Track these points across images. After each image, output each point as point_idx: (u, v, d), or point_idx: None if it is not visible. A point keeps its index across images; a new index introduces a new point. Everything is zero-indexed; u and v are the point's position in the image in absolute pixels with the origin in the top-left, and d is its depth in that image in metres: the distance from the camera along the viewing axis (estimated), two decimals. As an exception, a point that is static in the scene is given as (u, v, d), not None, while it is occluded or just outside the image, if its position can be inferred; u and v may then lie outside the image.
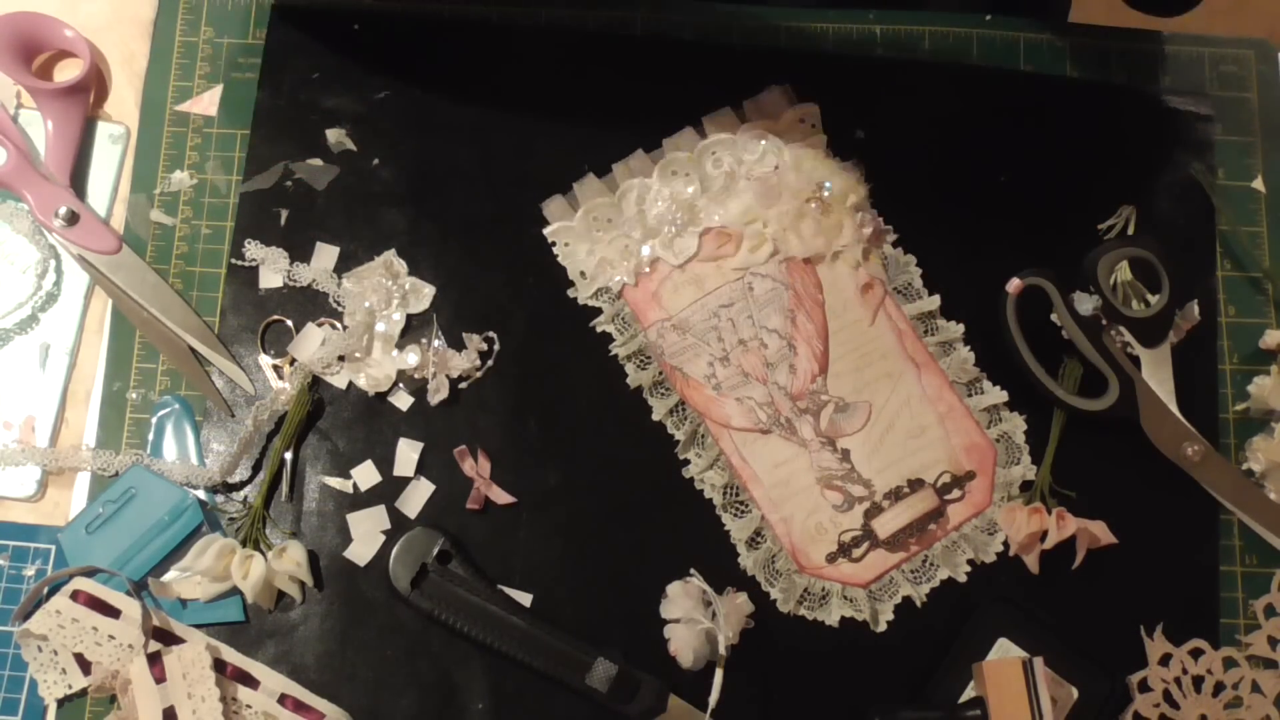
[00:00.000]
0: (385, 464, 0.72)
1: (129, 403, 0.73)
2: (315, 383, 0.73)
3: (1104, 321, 0.71)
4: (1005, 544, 0.71)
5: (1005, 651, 0.69)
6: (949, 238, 0.75)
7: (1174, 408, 0.72)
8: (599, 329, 0.74)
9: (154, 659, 0.66)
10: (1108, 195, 0.76)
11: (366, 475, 0.72)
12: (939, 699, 0.68)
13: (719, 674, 0.68)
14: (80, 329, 0.75)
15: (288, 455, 0.72)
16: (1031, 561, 0.70)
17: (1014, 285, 0.66)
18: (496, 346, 0.74)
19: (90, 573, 0.69)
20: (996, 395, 0.73)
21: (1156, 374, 0.72)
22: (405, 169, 0.76)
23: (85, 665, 0.67)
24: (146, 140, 0.77)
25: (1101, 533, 0.70)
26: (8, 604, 0.70)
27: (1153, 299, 0.72)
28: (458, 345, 0.73)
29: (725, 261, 0.74)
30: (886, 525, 0.71)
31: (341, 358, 0.73)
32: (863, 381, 0.73)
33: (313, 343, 0.73)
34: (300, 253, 0.75)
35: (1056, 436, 0.72)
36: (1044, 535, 0.70)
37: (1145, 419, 0.71)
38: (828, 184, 0.74)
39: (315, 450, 0.72)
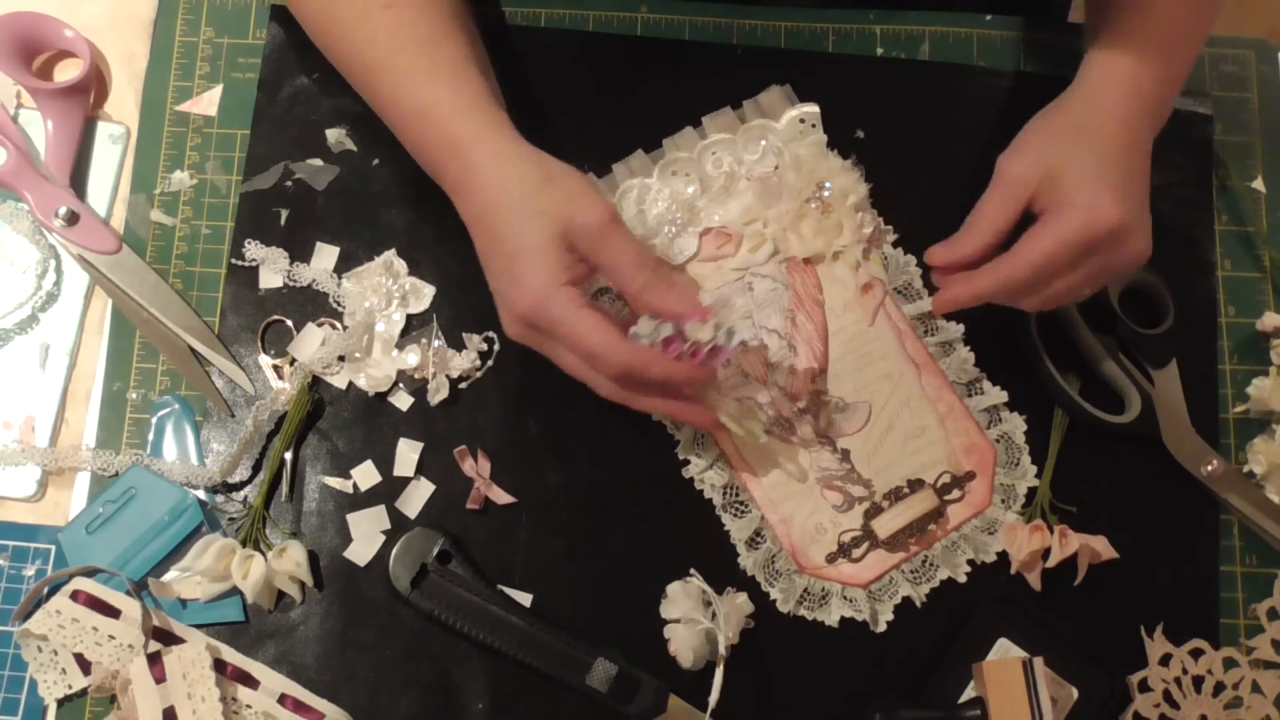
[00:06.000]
0: (385, 464, 0.72)
1: (129, 403, 0.73)
2: (315, 383, 0.73)
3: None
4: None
5: (1005, 651, 0.69)
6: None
7: (1189, 424, 0.72)
8: (599, 329, 0.74)
9: (154, 659, 0.66)
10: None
11: (366, 475, 0.72)
12: (939, 699, 0.68)
13: (719, 674, 0.68)
14: (80, 329, 0.75)
15: (288, 455, 0.71)
16: (1034, 579, 0.70)
17: None
18: (496, 346, 0.74)
19: (90, 573, 0.69)
20: (996, 395, 0.73)
21: (1169, 392, 0.72)
22: (405, 169, 0.76)
23: (85, 665, 0.67)
24: (146, 140, 0.77)
25: (1103, 548, 0.70)
26: (8, 604, 0.70)
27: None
28: (458, 345, 0.73)
29: (725, 261, 0.74)
30: (886, 525, 0.71)
31: (341, 358, 0.73)
32: (863, 381, 0.73)
33: (313, 343, 0.73)
34: (300, 253, 0.75)
35: (1055, 450, 0.72)
36: (1046, 553, 0.70)
37: (1167, 435, 0.72)
38: (828, 184, 0.74)
39: (315, 450, 0.72)
